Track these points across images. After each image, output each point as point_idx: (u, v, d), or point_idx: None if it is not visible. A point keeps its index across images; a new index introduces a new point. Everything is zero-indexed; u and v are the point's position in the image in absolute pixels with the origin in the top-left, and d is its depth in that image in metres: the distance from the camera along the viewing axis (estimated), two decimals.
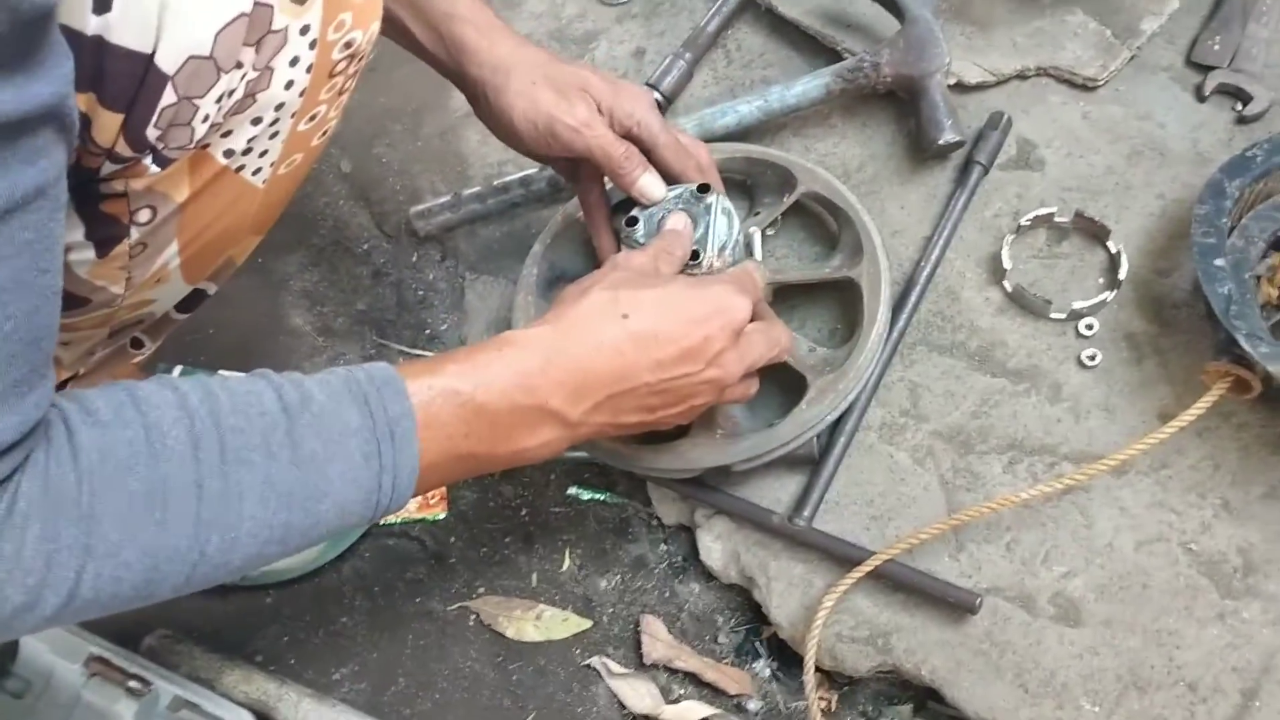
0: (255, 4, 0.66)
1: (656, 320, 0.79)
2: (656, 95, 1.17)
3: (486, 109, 0.93)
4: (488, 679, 0.99)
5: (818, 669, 0.94)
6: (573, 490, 1.07)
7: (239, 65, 0.68)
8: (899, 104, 1.15)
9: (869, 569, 0.93)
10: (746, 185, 1.10)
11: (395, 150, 1.28)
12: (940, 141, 1.08)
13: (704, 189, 0.93)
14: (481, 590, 1.04)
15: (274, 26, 0.68)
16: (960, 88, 1.14)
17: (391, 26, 0.92)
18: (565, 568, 1.05)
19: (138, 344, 0.93)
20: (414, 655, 1.01)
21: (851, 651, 0.94)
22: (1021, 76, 1.15)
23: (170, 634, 1.00)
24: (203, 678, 0.96)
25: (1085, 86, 1.14)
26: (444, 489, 1.08)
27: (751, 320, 0.85)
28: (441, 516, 1.07)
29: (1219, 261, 0.95)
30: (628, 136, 0.93)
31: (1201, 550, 0.93)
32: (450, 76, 0.94)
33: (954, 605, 0.92)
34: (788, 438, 0.94)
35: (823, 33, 1.18)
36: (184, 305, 0.89)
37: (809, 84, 1.12)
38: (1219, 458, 0.96)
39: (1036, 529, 0.95)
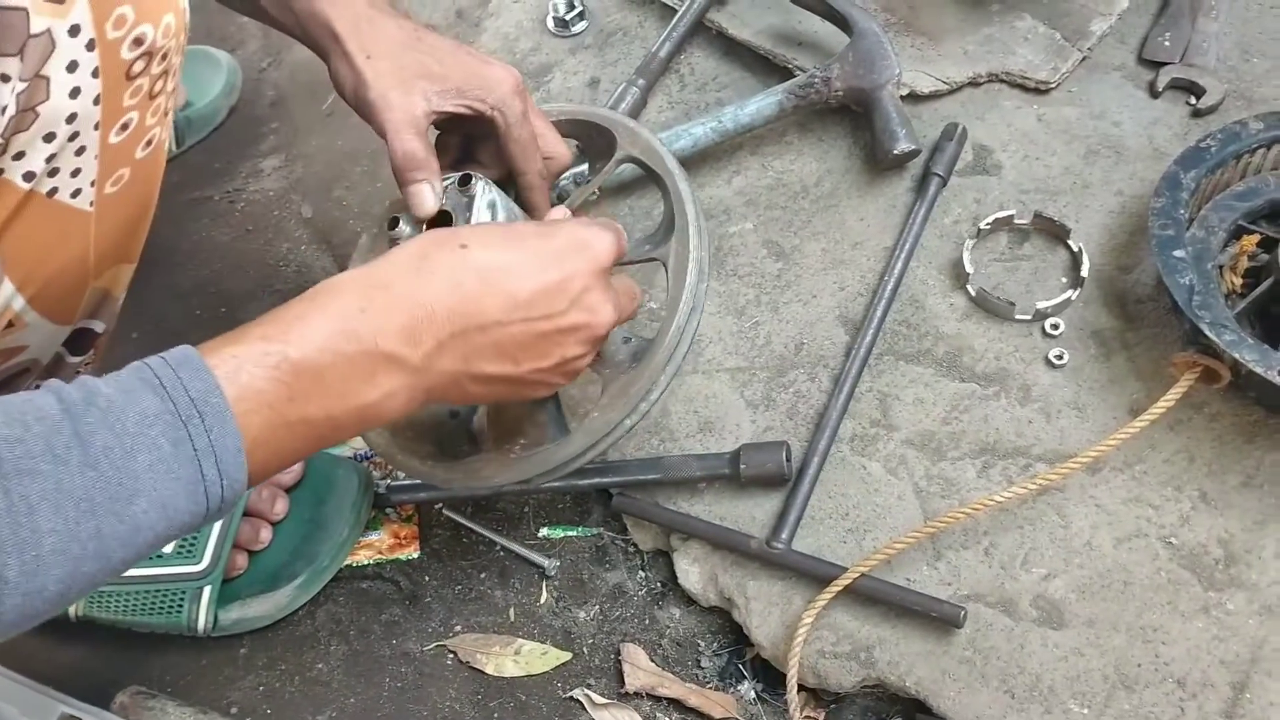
0: (1, 9, 0.61)
1: (504, 252, 0.70)
2: None
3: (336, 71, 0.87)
4: (468, 718, 0.97)
5: (802, 687, 0.93)
6: (544, 531, 1.06)
7: (3, 78, 0.63)
8: (854, 117, 1.15)
9: (845, 584, 0.92)
10: (583, 150, 1.04)
11: (355, 193, 1.28)
12: (895, 152, 1.08)
13: (466, 180, 0.84)
14: (458, 628, 1.02)
15: (33, 30, 0.63)
16: (914, 98, 1.14)
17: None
18: (543, 600, 1.03)
19: None
20: (392, 698, 0.99)
21: (835, 667, 0.93)
22: (974, 84, 1.16)
23: (143, 690, 0.98)
24: None
25: (1038, 90, 1.14)
26: (415, 529, 1.07)
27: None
28: (415, 555, 1.06)
29: (1178, 253, 0.95)
30: (480, 120, 0.87)
31: (1181, 543, 0.92)
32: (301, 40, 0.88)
33: (938, 620, 0.91)
34: (579, 449, 0.85)
35: (774, 52, 1.19)
36: (73, 347, 0.85)
37: (762, 102, 1.12)
38: (1193, 449, 0.95)
39: (1014, 532, 0.94)
